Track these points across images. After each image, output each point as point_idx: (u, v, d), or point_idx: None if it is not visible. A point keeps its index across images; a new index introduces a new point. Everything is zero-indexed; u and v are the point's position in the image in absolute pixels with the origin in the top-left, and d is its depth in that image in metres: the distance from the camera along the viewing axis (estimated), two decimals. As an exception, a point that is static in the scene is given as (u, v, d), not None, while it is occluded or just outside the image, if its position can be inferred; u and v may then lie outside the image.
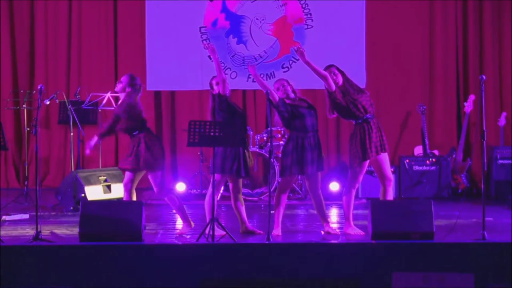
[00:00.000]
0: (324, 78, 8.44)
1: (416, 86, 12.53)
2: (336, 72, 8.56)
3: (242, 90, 12.55)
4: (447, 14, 12.48)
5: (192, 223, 8.73)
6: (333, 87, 8.47)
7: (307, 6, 12.45)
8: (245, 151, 8.60)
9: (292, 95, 8.61)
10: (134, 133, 8.58)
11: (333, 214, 10.21)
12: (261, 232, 8.59)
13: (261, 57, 12.39)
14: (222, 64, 12.35)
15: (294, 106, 8.54)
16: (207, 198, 8.57)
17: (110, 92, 11.48)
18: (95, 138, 8.62)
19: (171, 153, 12.70)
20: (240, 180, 8.70)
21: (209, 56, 12.36)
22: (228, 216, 9.87)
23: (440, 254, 7.03)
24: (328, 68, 8.57)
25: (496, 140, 11.94)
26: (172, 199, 8.71)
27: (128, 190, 8.56)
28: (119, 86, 8.76)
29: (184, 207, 8.74)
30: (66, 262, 6.99)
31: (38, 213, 8.08)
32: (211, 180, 8.29)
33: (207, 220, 8.34)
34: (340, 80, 8.54)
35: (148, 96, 12.40)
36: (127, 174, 8.58)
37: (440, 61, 12.50)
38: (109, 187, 10.53)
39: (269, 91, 8.38)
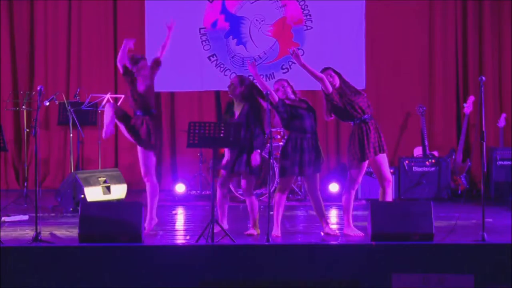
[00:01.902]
0: (320, 80, 8.44)
1: (416, 87, 12.52)
2: (333, 74, 8.56)
3: (241, 91, 12.52)
4: (447, 14, 12.48)
5: (156, 219, 8.79)
6: (330, 89, 8.47)
7: (307, 7, 12.45)
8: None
9: (292, 96, 8.61)
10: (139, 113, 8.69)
11: (333, 215, 10.21)
12: (254, 233, 8.64)
13: (260, 58, 12.38)
14: (222, 65, 12.36)
15: (294, 107, 8.54)
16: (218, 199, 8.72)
17: (109, 93, 11.47)
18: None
19: (171, 154, 12.70)
20: (245, 179, 8.70)
21: (208, 57, 12.39)
22: (228, 217, 9.86)
23: (440, 255, 7.04)
24: (324, 70, 8.56)
25: (496, 141, 11.94)
26: (153, 186, 8.75)
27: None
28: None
29: (155, 202, 8.76)
30: (66, 263, 7.00)
31: (38, 214, 8.07)
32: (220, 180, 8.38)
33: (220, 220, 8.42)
34: (337, 82, 8.54)
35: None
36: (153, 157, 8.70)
37: (439, 62, 12.49)
38: (108, 188, 10.52)
39: (268, 92, 8.38)
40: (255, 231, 8.69)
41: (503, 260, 6.95)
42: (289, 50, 8.55)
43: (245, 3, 12.47)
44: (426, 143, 11.63)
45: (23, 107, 11.78)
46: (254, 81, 8.66)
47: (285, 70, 12.39)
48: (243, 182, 8.74)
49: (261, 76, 11.68)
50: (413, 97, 12.37)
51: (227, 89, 8.88)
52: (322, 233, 8.68)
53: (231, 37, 12.48)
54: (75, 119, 11.29)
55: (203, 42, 12.41)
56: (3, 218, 9.58)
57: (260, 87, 8.60)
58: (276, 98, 8.51)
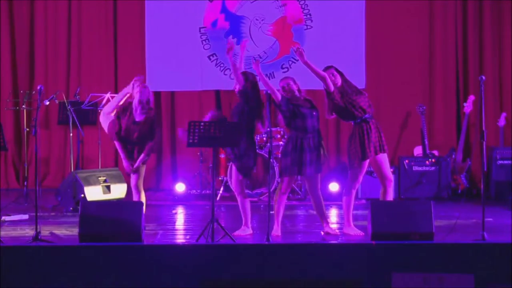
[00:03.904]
0: (322, 79, 8.44)
1: (416, 86, 12.52)
2: (335, 73, 8.56)
3: (241, 91, 12.52)
4: (447, 14, 12.48)
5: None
6: (332, 88, 8.47)
7: (307, 6, 12.45)
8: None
9: (297, 94, 8.61)
10: None
11: (333, 215, 10.21)
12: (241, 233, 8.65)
13: (260, 57, 12.36)
14: (222, 65, 12.37)
15: (297, 106, 8.54)
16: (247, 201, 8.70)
17: (109, 92, 11.47)
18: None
19: (171, 154, 12.70)
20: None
21: (208, 57, 12.39)
22: (228, 217, 9.88)
23: (440, 255, 7.03)
24: (327, 69, 8.57)
25: (496, 140, 11.94)
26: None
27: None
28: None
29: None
30: (66, 262, 6.99)
31: (38, 214, 8.09)
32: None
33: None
34: (339, 81, 8.55)
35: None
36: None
37: (440, 61, 12.49)
38: (108, 187, 10.52)
39: (269, 91, 8.38)
40: (248, 230, 8.67)
41: (503, 260, 6.94)
42: (293, 48, 8.54)
43: (245, 2, 12.47)
44: (426, 142, 11.63)
45: (23, 106, 11.78)
46: (258, 78, 8.63)
47: (285, 69, 12.39)
48: None
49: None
50: (413, 97, 12.37)
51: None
52: (322, 233, 8.68)
53: (231, 36, 12.48)
54: (75, 118, 11.29)
55: (203, 42, 12.41)
56: (3, 218, 9.58)
57: (263, 85, 8.60)
58: (279, 97, 8.51)
